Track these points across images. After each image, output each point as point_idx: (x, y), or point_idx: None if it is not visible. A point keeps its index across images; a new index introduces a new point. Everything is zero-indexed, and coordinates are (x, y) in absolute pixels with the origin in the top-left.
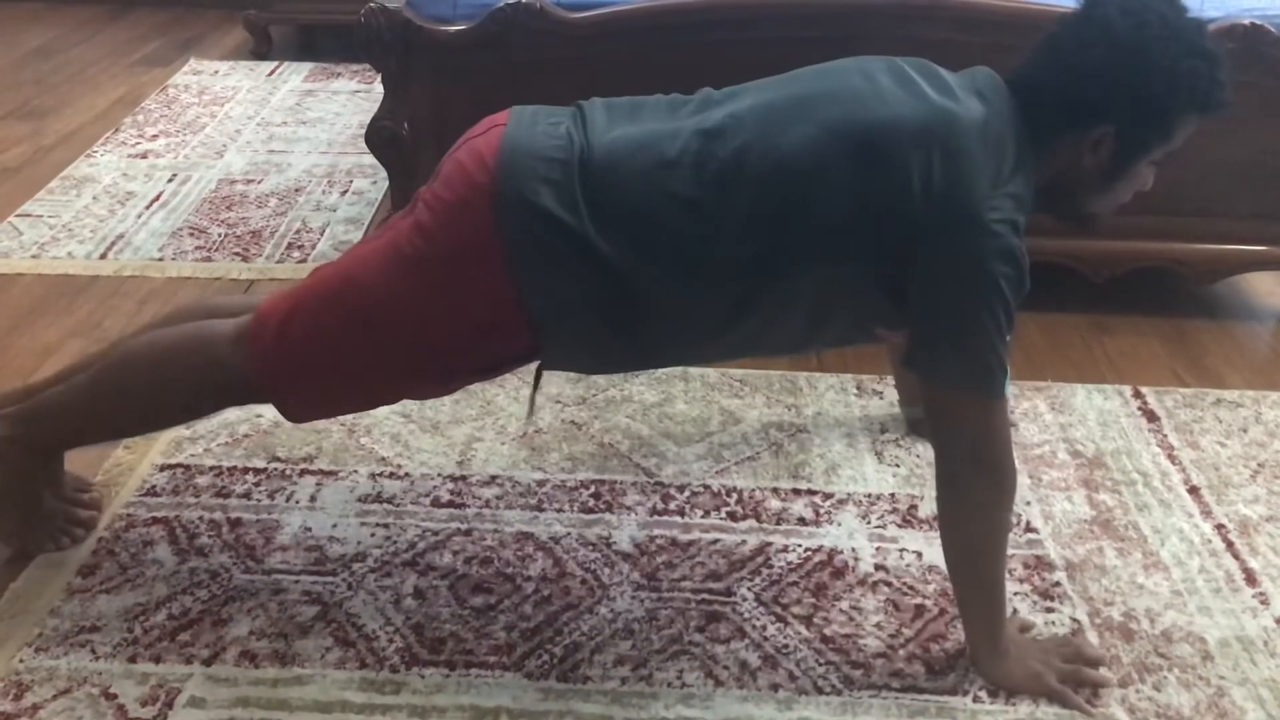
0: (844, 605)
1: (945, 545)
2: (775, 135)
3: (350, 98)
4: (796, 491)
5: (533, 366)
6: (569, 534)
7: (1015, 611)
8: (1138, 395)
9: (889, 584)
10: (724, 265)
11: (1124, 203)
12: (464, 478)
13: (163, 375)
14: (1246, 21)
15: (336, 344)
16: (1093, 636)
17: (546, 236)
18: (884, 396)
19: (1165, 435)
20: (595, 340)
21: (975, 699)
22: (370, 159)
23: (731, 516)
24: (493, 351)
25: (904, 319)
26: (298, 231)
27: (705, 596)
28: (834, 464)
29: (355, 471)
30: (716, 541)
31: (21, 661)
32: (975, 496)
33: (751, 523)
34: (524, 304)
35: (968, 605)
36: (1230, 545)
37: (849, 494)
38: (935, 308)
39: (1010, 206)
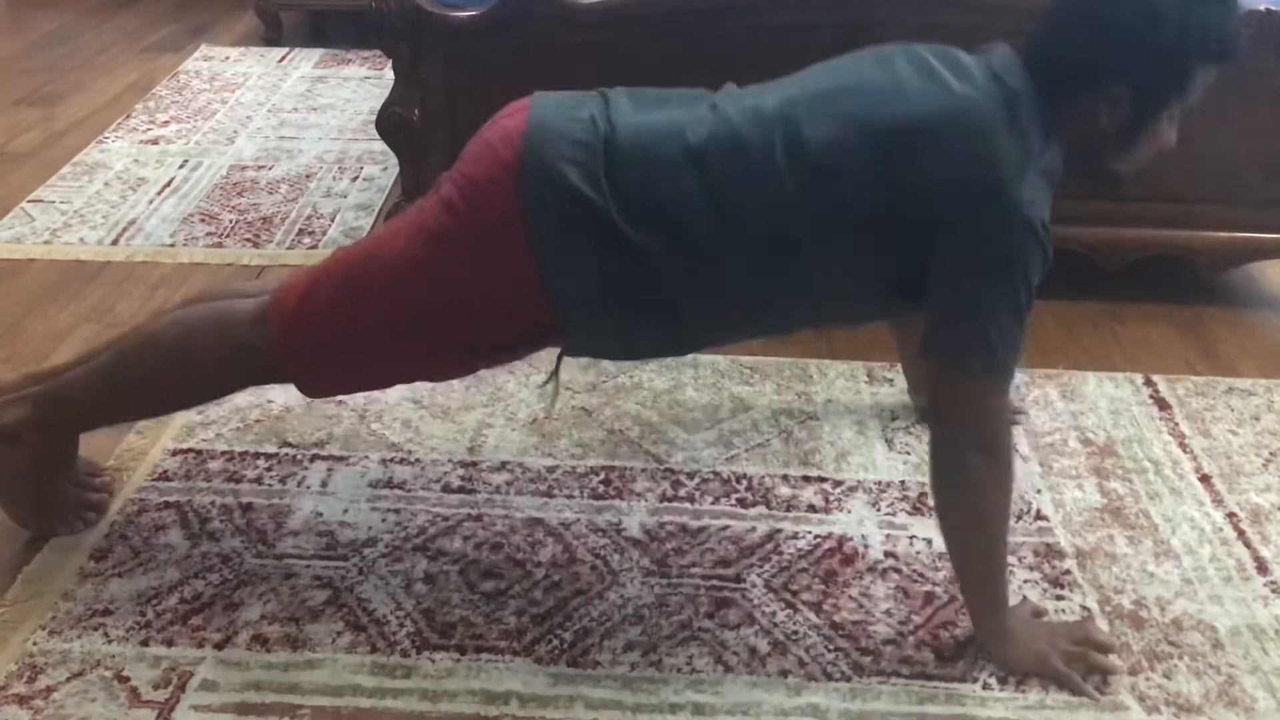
0: (853, 592)
1: (946, 529)
2: (797, 131)
3: (361, 84)
4: (806, 478)
5: (549, 357)
6: (579, 520)
7: (1025, 599)
8: (1149, 383)
9: (898, 571)
10: (744, 256)
11: (1149, 159)
12: (474, 463)
13: (184, 355)
14: (1262, 8)
15: (356, 318)
16: (1103, 624)
17: (571, 215)
18: (894, 384)
19: (1177, 423)
20: (616, 324)
21: (984, 686)
22: (381, 145)
23: (741, 503)
24: (513, 330)
25: (919, 309)
26: (309, 217)
27: (715, 583)
28: (844, 451)
29: (366, 457)
30: (726, 528)
31: (35, 644)
32: (983, 480)
33: (761, 509)
34: (546, 283)
35: (970, 586)
36: (1242, 534)
37: (859, 481)
38: (956, 289)
39: (1039, 183)
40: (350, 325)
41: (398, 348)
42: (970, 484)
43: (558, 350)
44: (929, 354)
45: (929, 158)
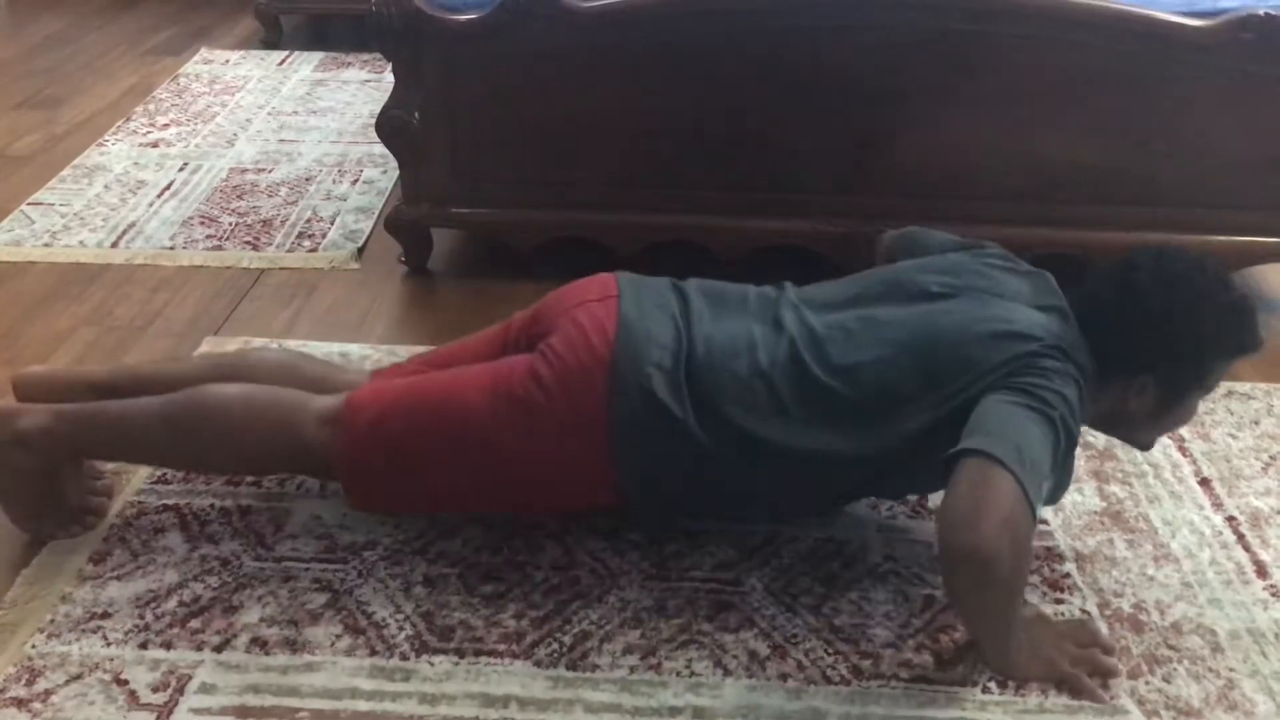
0: (853, 595)
1: (959, 606)
2: (854, 354)
3: (361, 87)
4: None
5: None
6: (579, 523)
7: (1025, 603)
8: None
9: (898, 574)
10: (808, 462)
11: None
12: None
13: (242, 434)
14: (1262, 12)
15: (425, 454)
16: (1102, 628)
17: (652, 419)
18: None
19: None
20: (675, 507)
21: (984, 689)
22: (380, 148)
23: None
24: (573, 501)
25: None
26: (308, 220)
27: (714, 586)
28: None
29: None
30: (726, 531)
31: (34, 647)
32: (999, 569)
33: None
34: (616, 472)
35: (979, 635)
36: (1241, 537)
37: None
38: (985, 414)
39: (1073, 377)
40: (416, 461)
41: (456, 489)
42: (984, 561)
43: None
44: (949, 455)
45: (972, 357)
